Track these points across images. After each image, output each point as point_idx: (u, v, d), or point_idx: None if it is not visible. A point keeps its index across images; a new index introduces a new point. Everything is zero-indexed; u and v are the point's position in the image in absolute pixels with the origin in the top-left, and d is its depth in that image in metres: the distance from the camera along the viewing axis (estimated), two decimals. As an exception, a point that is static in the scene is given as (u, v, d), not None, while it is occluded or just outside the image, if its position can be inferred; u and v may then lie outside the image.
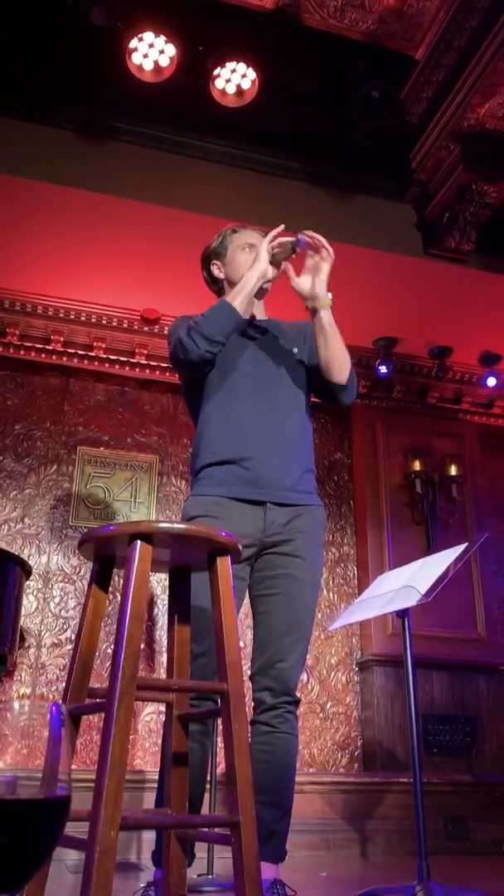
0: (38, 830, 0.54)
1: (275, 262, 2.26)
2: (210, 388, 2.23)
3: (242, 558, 1.95)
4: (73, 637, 4.41)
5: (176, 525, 1.51)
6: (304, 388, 2.33)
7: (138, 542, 1.45)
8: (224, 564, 1.55)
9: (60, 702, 0.58)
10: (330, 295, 2.21)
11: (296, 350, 2.32)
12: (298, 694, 2.08)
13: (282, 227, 2.23)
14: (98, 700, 1.49)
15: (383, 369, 5.09)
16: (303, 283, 2.27)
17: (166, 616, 2.45)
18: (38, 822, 0.54)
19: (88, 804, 1.30)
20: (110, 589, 1.68)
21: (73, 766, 0.67)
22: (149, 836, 3.31)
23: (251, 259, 2.29)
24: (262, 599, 2.12)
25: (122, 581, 1.49)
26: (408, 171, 4.26)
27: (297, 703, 2.06)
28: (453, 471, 5.21)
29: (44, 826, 0.55)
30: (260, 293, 2.34)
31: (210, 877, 2.80)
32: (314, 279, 2.25)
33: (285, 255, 2.25)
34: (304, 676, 4.77)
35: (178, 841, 1.54)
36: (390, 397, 5.44)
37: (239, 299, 2.18)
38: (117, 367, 5.02)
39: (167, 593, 1.98)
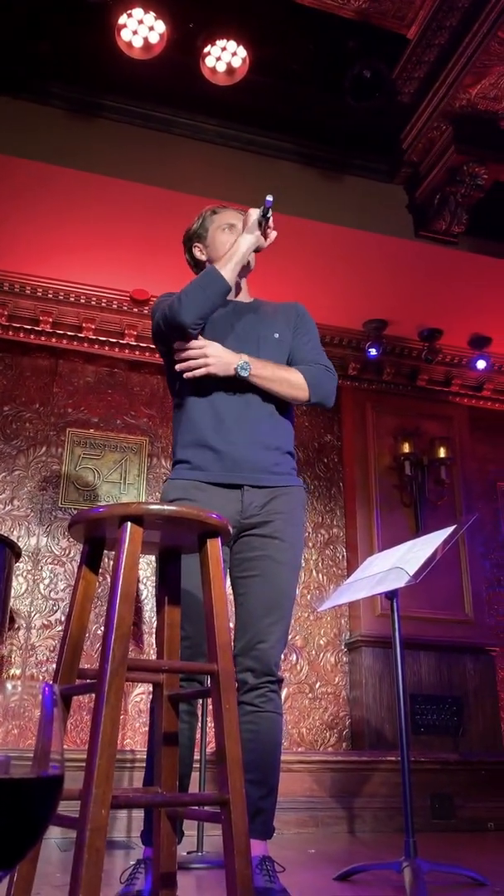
0: (31, 809, 0.55)
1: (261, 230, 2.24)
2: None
3: None
4: (62, 619, 4.42)
5: (166, 507, 1.50)
6: (284, 359, 2.31)
7: (128, 523, 1.44)
8: (214, 546, 1.54)
9: (52, 682, 0.58)
10: (244, 359, 2.13)
11: (277, 335, 2.29)
12: (281, 673, 2.10)
13: (270, 197, 2.18)
14: (89, 681, 1.48)
15: (373, 351, 5.09)
16: None
17: (154, 597, 2.46)
18: (32, 801, 0.55)
19: (79, 783, 1.31)
20: (100, 570, 1.68)
21: (64, 746, 0.67)
22: (138, 815, 3.34)
23: (232, 238, 2.27)
24: (242, 581, 2.13)
25: (112, 563, 1.49)
26: (399, 151, 4.24)
27: (279, 682, 2.07)
28: (442, 453, 5.23)
29: (37, 805, 0.55)
30: (244, 270, 2.31)
31: (200, 854, 2.83)
32: None
33: (264, 222, 2.23)
34: (293, 657, 4.80)
35: (168, 819, 1.55)
36: (380, 379, 5.44)
37: (230, 266, 2.16)
38: (107, 348, 5.00)
39: (155, 574, 1.99)
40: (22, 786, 0.54)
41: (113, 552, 1.50)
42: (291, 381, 2.19)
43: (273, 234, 2.28)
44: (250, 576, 2.10)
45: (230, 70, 3.58)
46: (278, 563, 2.09)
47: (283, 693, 4.71)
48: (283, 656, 4.73)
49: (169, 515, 1.48)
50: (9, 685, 0.57)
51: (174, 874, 1.54)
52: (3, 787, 0.53)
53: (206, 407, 2.18)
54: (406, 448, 5.19)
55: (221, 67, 3.58)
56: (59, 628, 4.41)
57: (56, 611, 4.43)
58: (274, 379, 2.17)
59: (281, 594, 2.08)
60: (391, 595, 2.47)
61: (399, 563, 2.45)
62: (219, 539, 1.56)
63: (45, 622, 4.41)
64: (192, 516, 1.50)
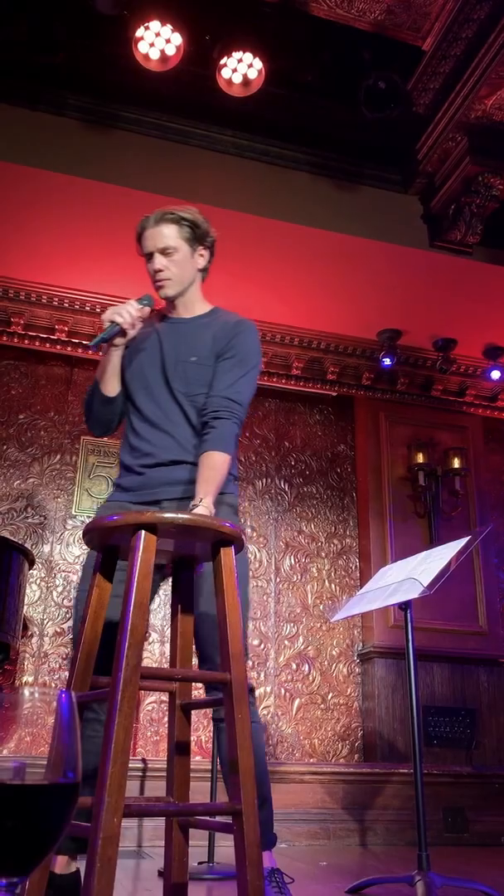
0: (48, 815, 0.55)
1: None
2: (126, 390, 2.21)
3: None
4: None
5: (181, 515, 1.49)
6: (204, 386, 2.11)
7: (143, 532, 1.44)
8: (228, 555, 1.53)
9: (65, 689, 0.59)
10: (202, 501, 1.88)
11: (194, 358, 2.12)
12: (251, 682, 2.02)
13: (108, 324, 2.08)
14: (102, 689, 1.48)
15: (387, 361, 5.08)
16: None
17: (160, 603, 2.45)
18: (49, 806, 0.55)
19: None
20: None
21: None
22: (150, 825, 3.34)
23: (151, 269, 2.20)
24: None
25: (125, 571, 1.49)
26: (414, 162, 4.24)
27: (252, 691, 1.99)
28: (456, 464, 5.21)
29: (54, 811, 0.56)
30: (185, 289, 2.21)
31: (211, 865, 2.82)
32: None
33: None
34: (305, 667, 4.79)
35: (180, 829, 1.54)
36: (394, 389, 5.43)
37: (98, 375, 2.19)
38: (121, 357, 5.01)
39: (165, 583, 1.98)
40: (38, 792, 0.54)
41: (127, 560, 1.49)
42: (222, 470, 1.97)
43: (131, 333, 2.10)
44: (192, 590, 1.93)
45: (246, 81, 3.60)
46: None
47: (295, 704, 4.69)
48: (294, 666, 4.73)
49: (183, 524, 1.47)
50: (25, 692, 0.57)
51: (185, 885, 1.53)
52: (22, 792, 0.53)
53: (131, 425, 2.15)
54: (420, 458, 5.18)
55: (237, 79, 3.60)
56: (72, 636, 4.41)
57: (69, 618, 4.44)
58: (218, 484, 1.95)
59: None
60: (405, 606, 2.46)
61: (413, 573, 2.44)
62: (232, 548, 1.55)
63: (58, 629, 4.42)
64: (206, 525, 1.50)
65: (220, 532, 1.51)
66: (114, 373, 2.15)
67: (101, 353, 2.17)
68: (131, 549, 1.44)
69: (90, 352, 4.96)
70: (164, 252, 2.16)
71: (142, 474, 2.05)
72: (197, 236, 2.20)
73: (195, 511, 1.78)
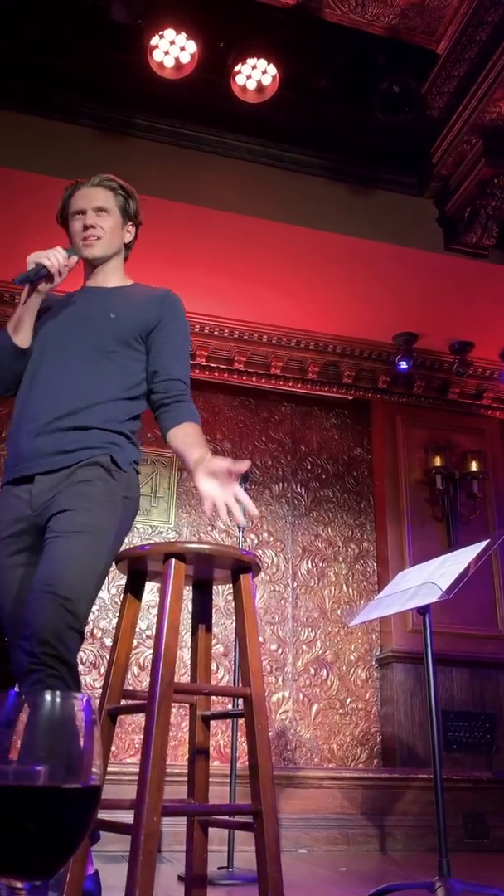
0: (75, 818, 0.57)
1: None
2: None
3: (16, 544, 1.84)
4: (98, 635, 4.46)
5: (205, 546, 1.66)
6: (120, 345, 2.02)
7: (173, 560, 1.58)
8: (247, 580, 1.67)
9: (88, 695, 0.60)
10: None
11: (113, 315, 2.04)
12: (67, 655, 1.69)
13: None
14: (139, 702, 1.62)
15: (403, 365, 5.07)
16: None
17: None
18: (72, 810, 0.56)
19: (122, 795, 1.49)
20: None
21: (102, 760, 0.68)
22: (169, 829, 3.34)
23: (78, 227, 2.13)
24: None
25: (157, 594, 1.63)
26: (429, 165, 4.24)
27: (65, 664, 1.67)
28: (474, 467, 5.19)
29: (80, 814, 0.57)
30: (108, 259, 2.16)
31: (230, 870, 2.82)
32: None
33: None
34: (323, 672, 4.78)
35: (200, 828, 1.67)
36: (410, 393, 5.42)
37: (11, 325, 2.06)
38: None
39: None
40: (66, 795, 0.55)
41: (157, 584, 1.67)
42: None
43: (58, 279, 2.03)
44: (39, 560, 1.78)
45: (260, 88, 3.62)
46: (61, 533, 1.75)
47: (313, 709, 4.68)
48: (312, 671, 4.72)
49: (208, 553, 1.63)
50: (46, 696, 0.58)
51: (206, 879, 1.68)
52: (49, 795, 0.54)
53: (22, 396, 2.02)
54: (437, 462, 5.16)
55: (252, 85, 3.61)
56: (92, 645, 4.44)
57: (89, 627, 4.46)
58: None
59: (60, 562, 1.71)
60: (423, 610, 2.45)
61: (431, 577, 2.43)
62: (251, 574, 1.69)
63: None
64: (227, 554, 1.66)
65: (240, 560, 1.66)
66: (31, 321, 2.04)
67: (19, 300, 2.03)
68: (163, 576, 1.58)
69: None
70: (98, 211, 2.12)
71: (21, 444, 1.93)
72: (128, 211, 2.19)
73: (210, 462, 1.75)
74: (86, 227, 2.11)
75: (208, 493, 1.71)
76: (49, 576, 1.69)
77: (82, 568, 1.72)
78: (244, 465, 1.71)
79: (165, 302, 2.10)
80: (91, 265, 2.17)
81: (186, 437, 1.94)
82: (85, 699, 0.58)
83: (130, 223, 2.22)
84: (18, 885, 0.55)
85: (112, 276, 2.18)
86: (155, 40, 3.46)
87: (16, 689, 1.13)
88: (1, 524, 1.89)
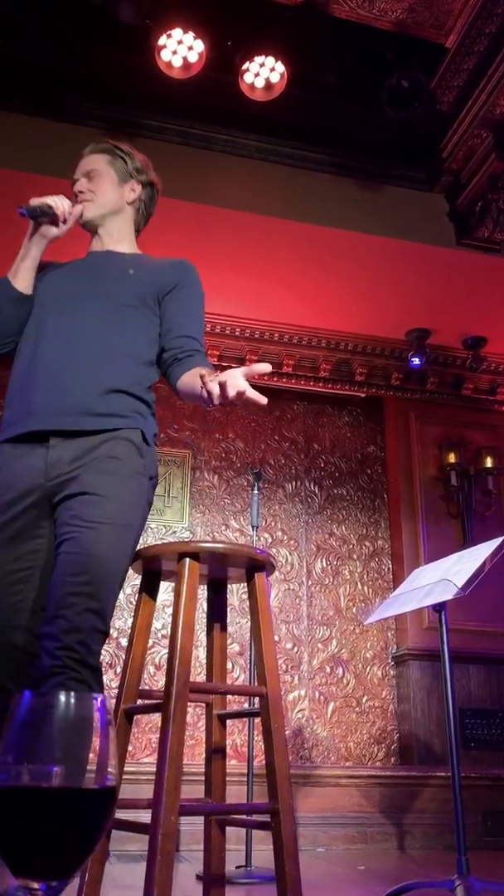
0: (88, 819, 0.57)
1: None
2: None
3: (13, 513, 1.67)
4: (114, 635, 4.46)
5: (220, 545, 1.65)
6: (139, 301, 1.91)
7: (187, 559, 1.59)
8: (261, 579, 1.68)
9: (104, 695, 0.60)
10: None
11: (132, 271, 1.95)
12: (94, 660, 1.63)
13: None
14: (155, 701, 1.61)
15: (416, 361, 5.05)
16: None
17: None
18: (89, 810, 0.56)
19: (138, 794, 1.51)
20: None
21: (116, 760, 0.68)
22: (186, 829, 3.34)
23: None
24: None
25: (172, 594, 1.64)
26: (439, 160, 4.22)
27: (91, 668, 1.62)
28: (489, 463, 5.16)
29: (98, 814, 0.57)
30: (115, 219, 2.08)
31: (248, 869, 2.82)
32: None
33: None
34: (339, 670, 4.77)
35: (217, 827, 1.67)
36: (424, 389, 5.40)
37: (12, 269, 1.95)
38: (149, 363, 5.04)
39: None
40: (79, 796, 0.55)
41: (171, 583, 1.68)
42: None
43: (65, 226, 1.95)
44: (60, 542, 1.65)
45: (268, 85, 3.61)
46: (89, 523, 1.63)
47: (330, 707, 4.67)
48: (328, 669, 4.71)
49: (222, 552, 1.63)
50: (61, 697, 0.58)
51: (224, 877, 1.69)
52: (67, 795, 0.54)
53: (28, 349, 1.88)
54: (451, 458, 5.13)
55: (260, 83, 3.61)
56: (105, 644, 4.44)
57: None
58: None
59: (89, 556, 1.60)
60: (439, 608, 2.44)
61: (447, 575, 2.42)
62: (265, 573, 1.69)
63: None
64: (241, 553, 1.66)
65: (254, 559, 1.66)
66: (33, 266, 1.92)
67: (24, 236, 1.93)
68: (178, 575, 1.58)
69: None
70: (88, 175, 2.08)
71: (31, 398, 1.79)
72: (129, 169, 2.11)
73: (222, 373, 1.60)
74: (76, 193, 2.05)
75: (217, 377, 1.57)
76: (79, 574, 1.57)
77: (113, 565, 1.62)
78: (264, 367, 1.59)
79: (183, 267, 2.02)
80: (93, 231, 2.09)
81: (197, 371, 1.75)
82: (100, 700, 0.58)
83: (134, 181, 2.12)
84: (35, 885, 0.55)
85: (121, 243, 2.09)
86: (163, 40, 3.46)
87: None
88: None
